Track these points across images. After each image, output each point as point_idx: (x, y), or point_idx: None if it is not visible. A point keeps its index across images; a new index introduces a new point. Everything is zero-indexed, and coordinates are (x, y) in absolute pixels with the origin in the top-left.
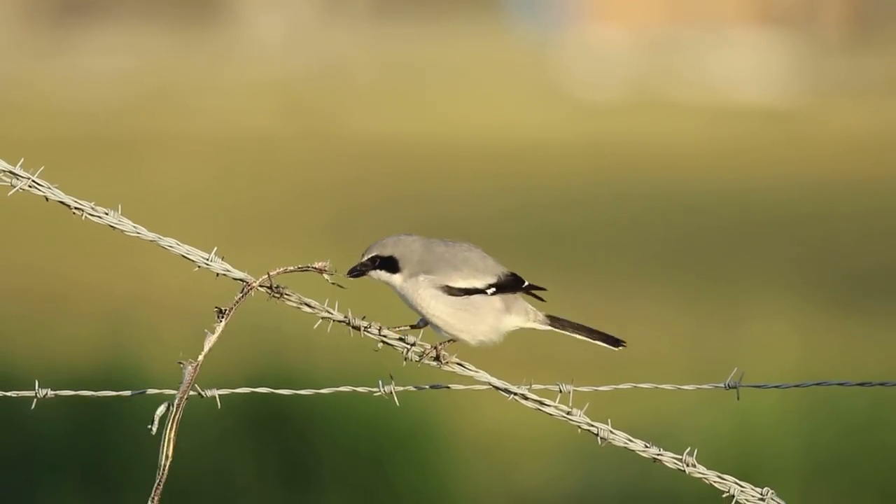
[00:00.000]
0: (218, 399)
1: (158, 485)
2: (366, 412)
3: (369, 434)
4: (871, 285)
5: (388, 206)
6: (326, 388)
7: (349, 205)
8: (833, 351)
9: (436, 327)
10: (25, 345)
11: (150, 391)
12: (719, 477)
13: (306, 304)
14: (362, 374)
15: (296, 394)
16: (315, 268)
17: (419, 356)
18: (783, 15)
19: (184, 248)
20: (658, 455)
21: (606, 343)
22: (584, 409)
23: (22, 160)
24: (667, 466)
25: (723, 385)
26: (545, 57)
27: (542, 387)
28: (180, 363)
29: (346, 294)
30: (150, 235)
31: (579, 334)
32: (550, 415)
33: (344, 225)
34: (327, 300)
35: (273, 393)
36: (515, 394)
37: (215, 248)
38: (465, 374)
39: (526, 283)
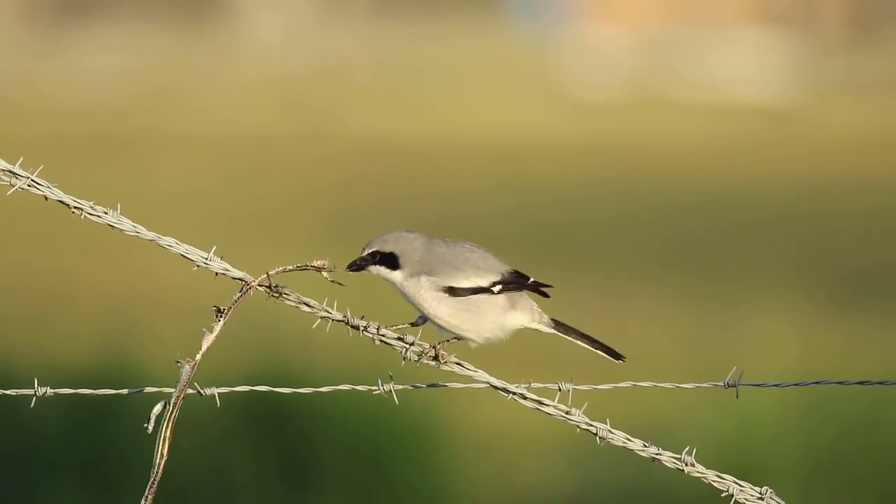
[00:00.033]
0: (217, 397)
1: (153, 483)
2: (365, 410)
3: (368, 432)
4: (871, 284)
5: (388, 205)
6: (326, 386)
7: (349, 203)
8: (833, 350)
9: (438, 326)
10: (25, 343)
11: (149, 389)
12: (718, 476)
13: (305, 304)
14: (361, 373)
15: (295, 392)
16: (314, 266)
17: (418, 356)
18: (783, 14)
19: (183, 248)
20: (657, 454)
21: (607, 354)
22: (583, 408)
23: (21, 159)
24: (666, 466)
25: (722, 384)
26: (545, 56)
27: (541, 385)
28: (178, 362)
29: (345, 293)
30: (149, 235)
31: (582, 341)
32: (549, 414)
33: (343, 224)
34: (326, 299)
35: (272, 391)
36: (514, 393)
37: (214, 248)
38: (463, 373)
39: (531, 280)
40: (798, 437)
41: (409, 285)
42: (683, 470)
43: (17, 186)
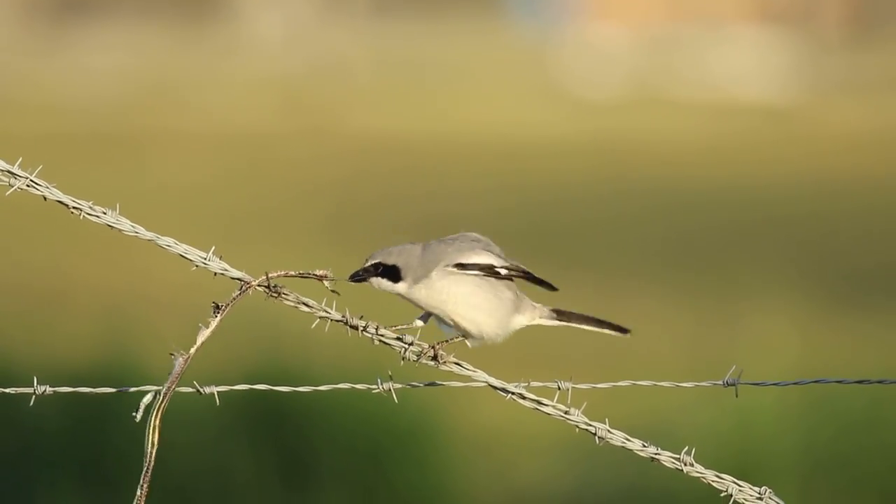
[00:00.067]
0: (216, 396)
1: (146, 472)
2: (364, 409)
3: (368, 431)
4: (871, 283)
5: (388, 204)
6: (325, 385)
7: (348, 202)
8: (832, 349)
9: (443, 324)
10: (24, 341)
11: (149, 388)
12: (717, 476)
13: (304, 304)
14: (361, 372)
15: (294, 391)
16: (315, 275)
17: (417, 355)
18: (783, 13)
19: (182, 248)
20: (656, 454)
21: (614, 331)
22: (583, 407)
23: (20, 159)
24: (664, 465)
25: (721, 383)
26: (545, 54)
27: (540, 384)
28: (172, 354)
29: (344, 293)
30: (148, 235)
31: (587, 325)
32: (548, 414)
33: (343, 222)
34: (325, 299)
35: (271, 390)
36: (513, 393)
37: (213, 248)
38: (462, 373)
39: (535, 276)
40: (797, 437)
41: (417, 289)
42: (682, 470)
43: (16, 187)
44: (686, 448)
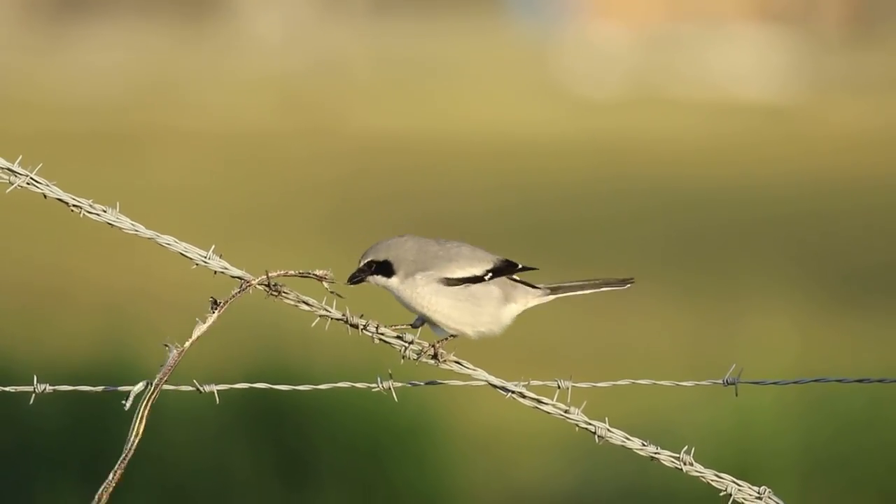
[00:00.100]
0: (216, 394)
1: (124, 459)
2: (364, 408)
3: (367, 430)
4: (871, 282)
5: (387, 203)
6: (325, 383)
7: (348, 201)
8: (832, 348)
9: (434, 326)
10: (24, 339)
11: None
12: (716, 475)
13: (304, 302)
14: (361, 370)
15: (294, 389)
16: (316, 275)
17: (417, 354)
18: (782, 11)
19: (181, 246)
20: (655, 453)
21: (614, 286)
22: (582, 406)
23: (20, 157)
24: (664, 464)
25: (721, 381)
26: (545, 53)
27: (540, 383)
28: (166, 345)
29: (345, 292)
30: (148, 233)
31: (583, 290)
32: (548, 413)
33: (342, 221)
34: (325, 298)
35: (271, 388)
36: (513, 392)
37: (213, 246)
38: (462, 372)
39: (520, 265)
40: (797, 436)
41: (405, 287)
42: (682, 469)
43: (16, 185)
44: (685, 447)
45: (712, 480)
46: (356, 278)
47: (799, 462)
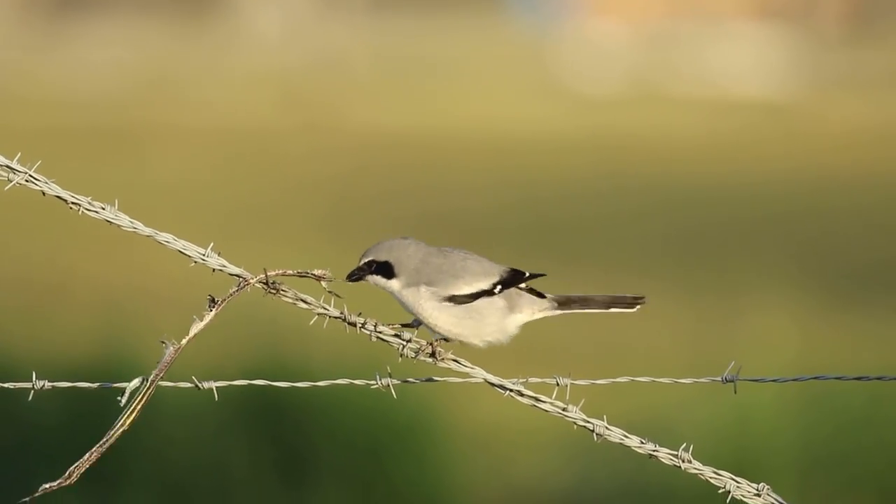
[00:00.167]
0: (215, 391)
1: (103, 444)
2: (363, 405)
3: (366, 427)
4: (870, 279)
5: (386, 199)
6: (323, 380)
7: (347, 197)
8: (831, 345)
9: (432, 331)
10: (23, 336)
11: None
12: (715, 473)
13: (302, 301)
14: (359, 368)
15: (293, 386)
16: (314, 275)
17: (415, 352)
18: (782, 9)
19: (180, 244)
20: (654, 451)
21: (623, 308)
22: (581, 404)
23: (19, 154)
24: (663, 462)
25: (720, 379)
26: (544, 50)
27: (538, 380)
28: (163, 342)
29: (343, 290)
30: (147, 230)
31: (592, 309)
32: (546, 410)
33: (342, 218)
34: (323, 297)
35: (270, 385)
36: (511, 389)
37: (211, 244)
38: (460, 370)
39: (527, 274)
40: (796, 433)
41: (408, 294)
42: (680, 466)
43: (14, 182)
44: (684, 444)
45: (711, 478)
46: (355, 276)
47: (798, 459)
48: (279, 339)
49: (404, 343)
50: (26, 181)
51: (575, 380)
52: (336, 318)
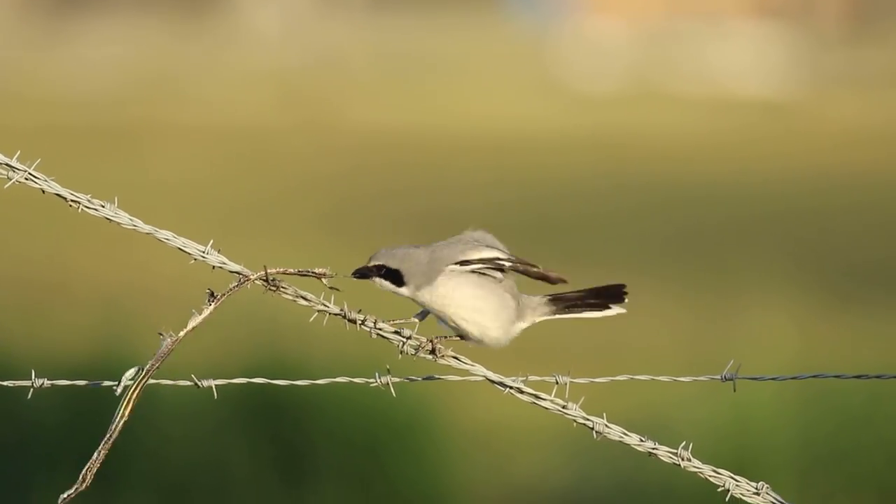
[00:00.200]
0: (214, 389)
1: (107, 440)
2: (362, 403)
3: (365, 425)
4: (869, 278)
5: (386, 198)
6: (323, 378)
7: (346, 196)
8: (831, 344)
9: (444, 323)
10: (22, 334)
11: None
12: (714, 471)
13: (302, 297)
14: (359, 365)
15: (292, 384)
16: (315, 273)
17: (415, 349)
18: (781, 8)
19: (180, 241)
20: (653, 449)
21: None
22: (580, 401)
23: (19, 152)
24: (662, 460)
25: (719, 377)
26: (543, 48)
27: (538, 378)
28: (160, 334)
29: (343, 287)
30: (147, 228)
31: (586, 312)
32: (546, 408)
33: (341, 216)
34: (323, 294)
35: (269, 383)
36: (511, 387)
37: (211, 241)
38: (460, 367)
39: (538, 268)
40: (795, 432)
41: (422, 294)
42: (680, 464)
43: (14, 180)
44: (683, 443)
45: (710, 476)
46: (362, 274)
47: (797, 458)
48: (278, 337)
49: (404, 340)
50: (26, 179)
51: (574, 378)
52: (336, 315)
